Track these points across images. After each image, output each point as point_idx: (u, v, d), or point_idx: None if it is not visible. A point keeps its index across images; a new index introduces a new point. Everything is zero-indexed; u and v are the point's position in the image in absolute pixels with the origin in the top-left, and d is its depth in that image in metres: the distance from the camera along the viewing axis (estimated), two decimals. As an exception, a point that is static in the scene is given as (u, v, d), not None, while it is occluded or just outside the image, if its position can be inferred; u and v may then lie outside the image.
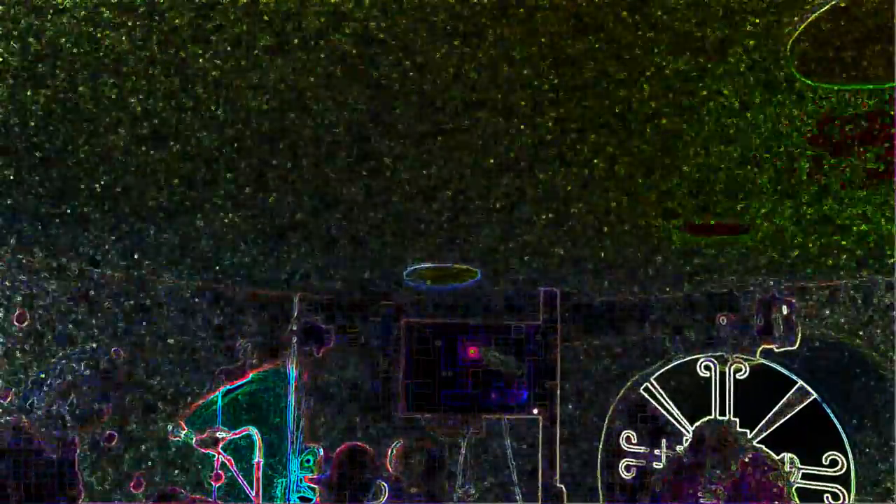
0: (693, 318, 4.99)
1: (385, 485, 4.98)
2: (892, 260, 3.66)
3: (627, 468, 5.36)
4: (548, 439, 5.05)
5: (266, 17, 1.58)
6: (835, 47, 1.63)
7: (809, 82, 1.79)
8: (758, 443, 4.61)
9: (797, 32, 1.57)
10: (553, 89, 1.89)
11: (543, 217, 3.10)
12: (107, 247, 3.76)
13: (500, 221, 3.18)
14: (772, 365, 4.66)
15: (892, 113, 1.95)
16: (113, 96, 1.97)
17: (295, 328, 5.34)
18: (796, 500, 4.20)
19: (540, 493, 5.04)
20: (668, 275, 4.30)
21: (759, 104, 1.95)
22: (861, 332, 4.24)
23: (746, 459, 4.18)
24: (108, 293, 4.41)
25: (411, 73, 1.82)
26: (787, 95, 1.89)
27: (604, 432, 5.40)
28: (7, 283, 4.01)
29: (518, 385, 4.95)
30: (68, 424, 4.21)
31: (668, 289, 4.86)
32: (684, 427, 5.08)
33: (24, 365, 4.07)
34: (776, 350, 4.57)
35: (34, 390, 4.10)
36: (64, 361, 4.21)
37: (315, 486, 5.14)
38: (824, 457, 4.35)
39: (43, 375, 4.13)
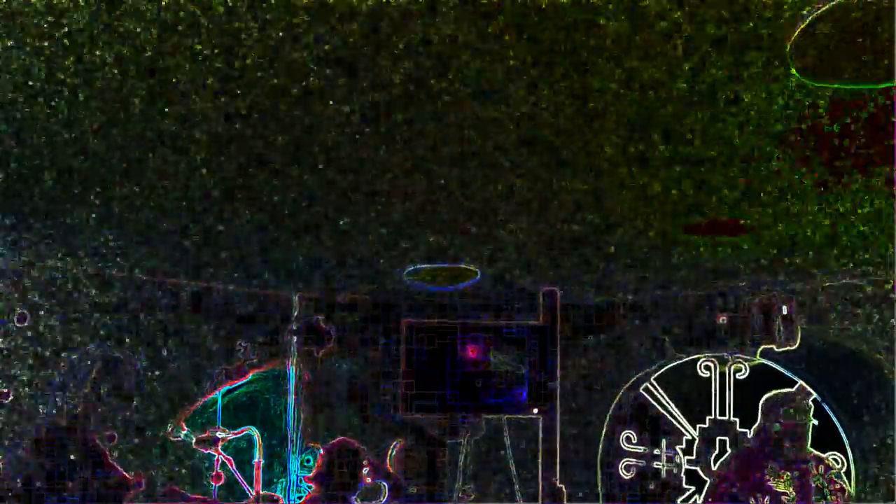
0: (693, 318, 4.99)
1: (385, 485, 4.98)
2: (892, 260, 3.66)
3: (627, 468, 5.36)
4: (548, 439, 5.05)
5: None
6: (835, 47, 1.63)
7: (809, 83, 1.79)
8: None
9: (797, 32, 1.57)
10: (557, 88, 1.90)
11: (543, 217, 3.10)
12: (105, 245, 3.76)
13: (501, 221, 3.18)
14: (772, 365, 4.66)
15: (893, 113, 1.95)
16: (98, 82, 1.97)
17: (295, 328, 5.34)
18: None
19: (540, 493, 5.03)
20: (669, 275, 4.30)
21: (763, 103, 1.95)
22: (862, 333, 4.24)
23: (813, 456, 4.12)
24: (109, 293, 4.41)
25: (414, 69, 1.82)
26: (789, 95, 1.89)
27: (604, 432, 5.40)
28: (8, 283, 4.01)
29: (518, 385, 4.95)
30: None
31: (669, 289, 4.86)
32: (685, 427, 5.08)
33: (31, 365, 4.07)
34: (776, 350, 4.57)
35: (56, 387, 4.13)
36: (77, 360, 4.22)
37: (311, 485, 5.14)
38: (824, 457, 4.35)
39: (62, 374, 4.16)
